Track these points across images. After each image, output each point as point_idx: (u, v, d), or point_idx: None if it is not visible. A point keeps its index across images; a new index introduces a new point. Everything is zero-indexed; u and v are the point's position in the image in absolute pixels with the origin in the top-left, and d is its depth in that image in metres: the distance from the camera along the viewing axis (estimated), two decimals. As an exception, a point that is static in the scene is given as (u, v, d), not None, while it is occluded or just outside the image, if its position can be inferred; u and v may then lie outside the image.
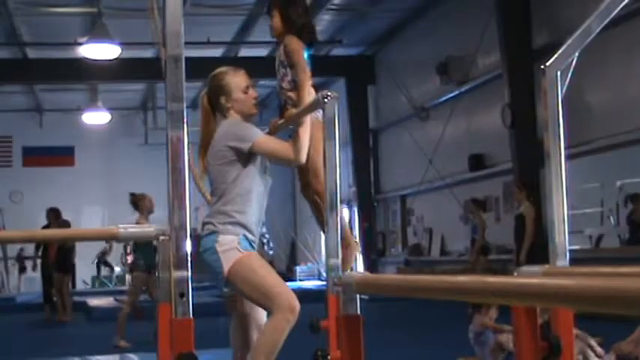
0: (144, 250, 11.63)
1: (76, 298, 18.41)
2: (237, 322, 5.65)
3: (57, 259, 16.77)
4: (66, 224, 16.36)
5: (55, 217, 16.72)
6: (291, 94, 5.55)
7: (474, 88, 18.58)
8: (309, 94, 5.37)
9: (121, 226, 3.65)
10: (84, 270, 26.81)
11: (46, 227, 16.20)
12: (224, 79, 5.38)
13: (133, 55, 20.72)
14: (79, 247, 18.67)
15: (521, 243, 13.78)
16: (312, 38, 5.68)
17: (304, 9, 5.76)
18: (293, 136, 5.15)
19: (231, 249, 4.93)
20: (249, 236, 5.02)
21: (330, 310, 3.97)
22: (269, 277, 4.89)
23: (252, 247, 5.02)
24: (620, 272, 3.25)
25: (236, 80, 5.37)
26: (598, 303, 1.73)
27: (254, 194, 5.10)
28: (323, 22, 20.96)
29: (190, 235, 3.28)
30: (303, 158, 5.10)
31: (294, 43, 5.54)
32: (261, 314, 5.35)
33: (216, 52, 22.63)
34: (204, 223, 5.09)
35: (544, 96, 3.69)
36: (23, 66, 22.92)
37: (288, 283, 5.32)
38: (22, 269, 26.90)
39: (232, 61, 22.88)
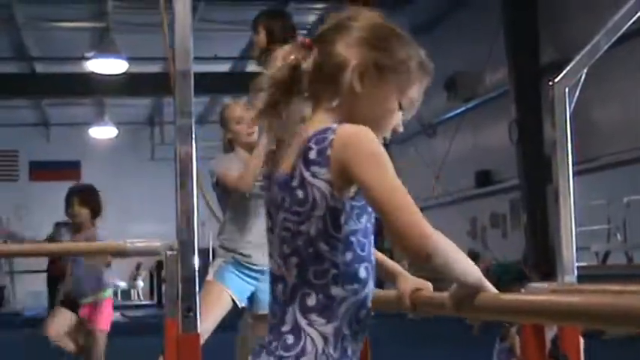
0: None
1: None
2: (245, 335, 5.67)
3: None
4: None
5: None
6: None
7: (481, 104, 18.59)
8: None
9: (129, 240, 3.66)
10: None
11: (51, 240, 16.22)
12: (222, 113, 5.62)
13: (140, 69, 20.76)
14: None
15: None
16: None
17: (290, 26, 5.61)
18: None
19: (212, 270, 5.33)
20: (238, 257, 5.31)
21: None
22: (203, 302, 4.92)
23: (241, 265, 5.31)
24: (628, 290, 3.24)
25: (230, 112, 5.48)
26: (606, 321, 1.72)
27: (244, 220, 5.34)
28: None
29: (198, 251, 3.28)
30: (247, 186, 5.21)
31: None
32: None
33: (224, 67, 22.66)
34: None
35: (552, 112, 3.69)
36: (30, 80, 22.97)
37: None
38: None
39: (239, 76, 22.94)
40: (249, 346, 5.61)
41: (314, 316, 2.12)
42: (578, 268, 3.67)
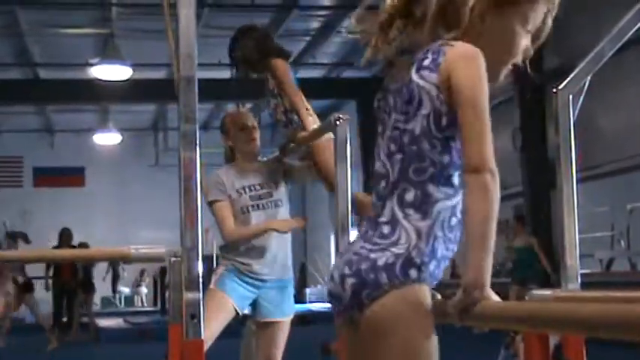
0: None
1: (85, 319, 18.36)
2: (249, 342, 5.67)
3: (83, 279, 17.02)
4: (84, 247, 16.41)
5: (66, 238, 16.86)
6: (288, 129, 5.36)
7: (485, 111, 18.58)
8: (309, 115, 5.25)
9: (133, 247, 3.66)
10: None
11: (56, 248, 16.23)
12: (224, 119, 5.61)
13: (145, 76, 20.74)
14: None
15: None
16: (283, 55, 5.40)
17: (261, 36, 5.56)
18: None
19: (214, 278, 5.33)
20: (238, 265, 5.30)
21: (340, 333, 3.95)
22: (206, 310, 4.93)
23: (241, 273, 5.28)
24: (632, 297, 3.24)
25: (232, 119, 5.46)
26: (610, 329, 1.72)
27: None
28: (334, 45, 21.00)
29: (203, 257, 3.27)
30: (231, 239, 5.32)
31: (277, 63, 5.29)
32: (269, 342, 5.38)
33: (227, 73, 22.57)
34: None
35: (556, 120, 3.69)
36: (34, 86, 22.93)
37: (297, 305, 5.39)
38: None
39: (242, 82, 22.92)
40: (253, 353, 5.60)
41: (411, 211, 2.27)
42: (581, 275, 3.66)
